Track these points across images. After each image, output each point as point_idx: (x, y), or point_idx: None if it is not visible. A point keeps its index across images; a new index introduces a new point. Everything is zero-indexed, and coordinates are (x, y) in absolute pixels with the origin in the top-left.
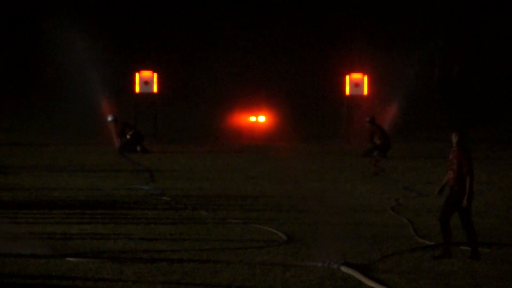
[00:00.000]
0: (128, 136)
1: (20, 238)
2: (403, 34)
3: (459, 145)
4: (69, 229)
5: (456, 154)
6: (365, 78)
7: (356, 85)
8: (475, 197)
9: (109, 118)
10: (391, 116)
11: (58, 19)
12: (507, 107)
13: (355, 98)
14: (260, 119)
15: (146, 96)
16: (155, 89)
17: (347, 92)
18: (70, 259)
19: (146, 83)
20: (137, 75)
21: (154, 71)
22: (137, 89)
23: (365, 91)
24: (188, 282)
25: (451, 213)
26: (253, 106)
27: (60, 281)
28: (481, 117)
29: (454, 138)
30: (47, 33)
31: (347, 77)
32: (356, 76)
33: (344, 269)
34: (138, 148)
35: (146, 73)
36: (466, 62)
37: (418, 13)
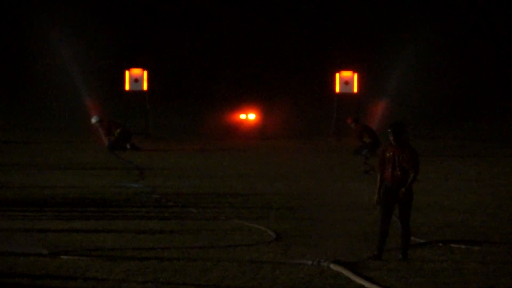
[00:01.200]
0: (115, 134)
1: (11, 236)
2: (393, 31)
3: (403, 143)
4: (60, 227)
5: (400, 152)
6: (355, 76)
7: (346, 83)
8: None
9: (93, 120)
10: (380, 114)
11: (47, 17)
12: (499, 104)
13: (345, 96)
14: (250, 116)
15: (136, 93)
16: (145, 86)
17: (337, 90)
18: (63, 257)
19: (136, 80)
20: (127, 72)
21: (144, 68)
22: (127, 87)
23: (355, 89)
24: (178, 280)
25: (391, 210)
26: (243, 103)
27: (51, 280)
28: (472, 114)
29: (391, 136)
30: (36, 31)
31: (337, 75)
32: (346, 74)
33: (333, 267)
34: (128, 145)
35: (136, 71)
36: (456, 58)
37: (408, 11)
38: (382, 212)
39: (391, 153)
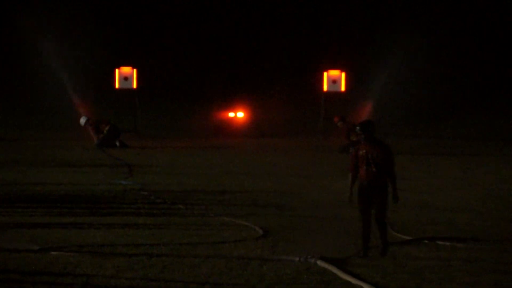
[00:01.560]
0: (104, 132)
1: (2, 232)
2: (380, 33)
3: (374, 140)
4: (50, 223)
5: (373, 150)
6: (343, 75)
7: (334, 81)
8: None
9: (82, 121)
10: (367, 113)
11: (39, 18)
12: (482, 104)
13: (333, 95)
14: (238, 115)
15: (126, 91)
16: (134, 84)
17: (325, 88)
18: (53, 253)
19: (126, 79)
20: (117, 71)
21: (133, 67)
22: (117, 85)
23: (343, 88)
24: (167, 276)
25: (369, 207)
26: (232, 102)
27: (41, 276)
28: (455, 114)
29: (361, 135)
30: (29, 31)
31: (325, 74)
32: (334, 73)
33: (320, 263)
34: (117, 143)
35: (126, 69)
36: (439, 60)
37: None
38: (360, 210)
39: (364, 151)
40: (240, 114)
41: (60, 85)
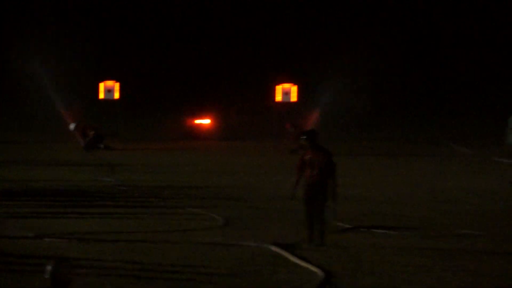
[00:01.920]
0: (90, 136)
1: (1, 222)
2: (327, 51)
3: (318, 146)
4: (44, 213)
5: (315, 153)
6: (294, 88)
7: (286, 93)
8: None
9: (71, 127)
10: (315, 119)
11: (28, 30)
12: (412, 111)
13: (285, 104)
14: (205, 121)
15: (109, 102)
16: (116, 96)
17: (278, 99)
18: (46, 239)
19: (109, 91)
20: (101, 84)
21: (116, 80)
22: (101, 96)
23: (294, 98)
24: (144, 259)
25: (313, 202)
26: (199, 110)
27: (35, 259)
28: (390, 120)
29: (305, 141)
30: (16, 46)
31: (278, 87)
32: (286, 85)
33: (273, 248)
34: (102, 146)
35: (109, 83)
36: (377, 73)
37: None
38: (305, 206)
39: (309, 156)
40: (207, 121)
41: (50, 98)
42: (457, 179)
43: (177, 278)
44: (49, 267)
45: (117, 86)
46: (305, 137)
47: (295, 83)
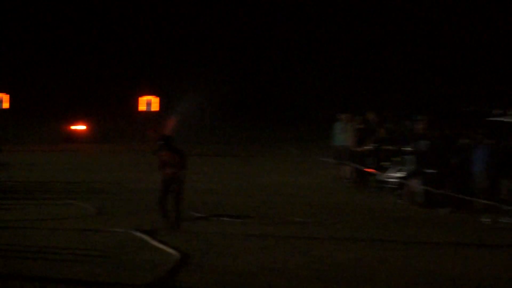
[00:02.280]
0: None
1: None
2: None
3: (171, 148)
4: None
5: (171, 154)
6: (156, 99)
7: (149, 103)
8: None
9: None
10: (173, 125)
11: None
12: (254, 116)
13: (148, 113)
14: (80, 127)
15: (0, 111)
16: (6, 106)
17: (141, 108)
18: None
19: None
20: None
21: (6, 93)
22: None
23: (156, 108)
24: (27, 243)
25: (166, 194)
26: (75, 117)
27: None
28: (232, 124)
29: (162, 144)
30: None
31: (142, 98)
32: (148, 97)
33: (137, 233)
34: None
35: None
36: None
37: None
38: (160, 197)
39: (166, 156)
40: (82, 127)
41: None
42: (289, 176)
43: (55, 259)
44: None
45: (6, 97)
46: (162, 141)
47: (157, 95)
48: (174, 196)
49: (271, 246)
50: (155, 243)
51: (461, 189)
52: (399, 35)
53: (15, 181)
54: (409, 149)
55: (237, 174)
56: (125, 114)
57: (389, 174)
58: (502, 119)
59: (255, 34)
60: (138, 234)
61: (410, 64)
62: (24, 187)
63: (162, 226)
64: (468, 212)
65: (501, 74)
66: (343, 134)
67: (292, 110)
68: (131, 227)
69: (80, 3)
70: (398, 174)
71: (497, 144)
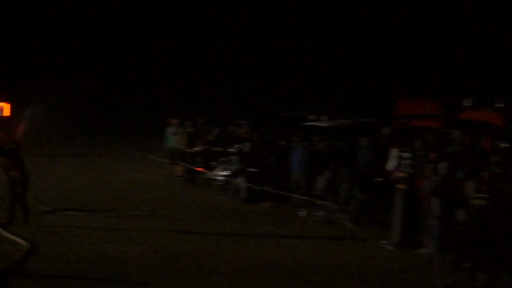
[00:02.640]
0: None
1: None
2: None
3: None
4: None
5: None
6: (8, 105)
7: (1, 109)
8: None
9: None
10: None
11: None
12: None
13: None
14: None
15: None
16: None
17: None
18: None
19: None
20: None
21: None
22: None
23: (8, 113)
24: None
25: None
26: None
27: None
28: (86, 130)
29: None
30: None
31: None
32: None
33: None
34: None
35: None
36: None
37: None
38: (10, 196)
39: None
40: None
41: None
42: (125, 173)
43: None
44: None
45: (7, 106)
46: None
47: (8, 102)
48: (21, 194)
49: (112, 237)
50: (7, 234)
51: (280, 186)
52: (216, 45)
53: None
54: (234, 150)
55: (82, 173)
56: None
57: (217, 172)
58: (316, 123)
59: (97, 44)
60: None
61: (235, 71)
62: None
63: (15, 220)
64: (286, 206)
65: (315, 83)
66: (175, 137)
67: (131, 114)
68: None
69: None
70: (225, 173)
71: (311, 146)
